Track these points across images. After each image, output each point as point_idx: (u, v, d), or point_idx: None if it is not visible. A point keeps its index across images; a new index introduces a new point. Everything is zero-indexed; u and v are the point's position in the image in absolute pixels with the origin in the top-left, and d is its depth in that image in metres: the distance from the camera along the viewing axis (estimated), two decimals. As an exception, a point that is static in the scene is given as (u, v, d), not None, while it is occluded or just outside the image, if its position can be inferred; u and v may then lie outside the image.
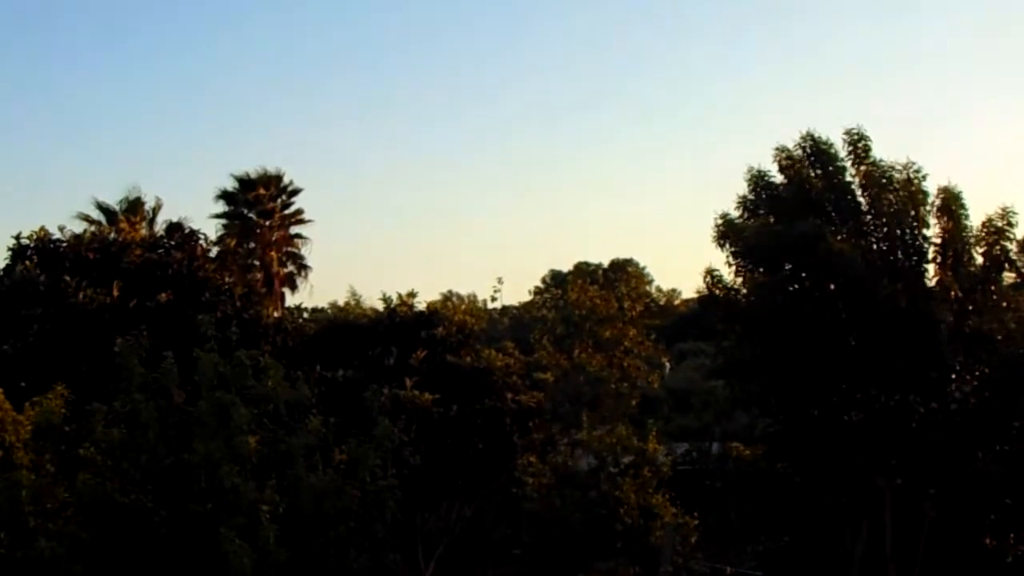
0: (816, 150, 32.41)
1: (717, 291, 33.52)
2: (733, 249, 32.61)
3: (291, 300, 57.52)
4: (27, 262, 32.92)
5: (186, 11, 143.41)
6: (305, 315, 41.97)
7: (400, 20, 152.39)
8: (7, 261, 33.45)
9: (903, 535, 31.33)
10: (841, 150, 32.36)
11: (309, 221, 60.28)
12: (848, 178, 32.28)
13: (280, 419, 23.77)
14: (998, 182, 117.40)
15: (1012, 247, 31.38)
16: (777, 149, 32.78)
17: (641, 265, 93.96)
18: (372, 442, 25.41)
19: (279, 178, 58.88)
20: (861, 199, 32.03)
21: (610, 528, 32.19)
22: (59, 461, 24.09)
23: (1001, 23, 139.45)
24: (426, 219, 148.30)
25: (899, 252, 31.58)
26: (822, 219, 31.68)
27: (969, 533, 31.65)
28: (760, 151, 32.77)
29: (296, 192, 59.49)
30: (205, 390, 22.87)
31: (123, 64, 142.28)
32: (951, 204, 31.41)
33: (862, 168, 32.06)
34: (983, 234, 31.43)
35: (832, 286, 31.02)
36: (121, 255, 33.82)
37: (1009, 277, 31.90)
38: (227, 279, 34.76)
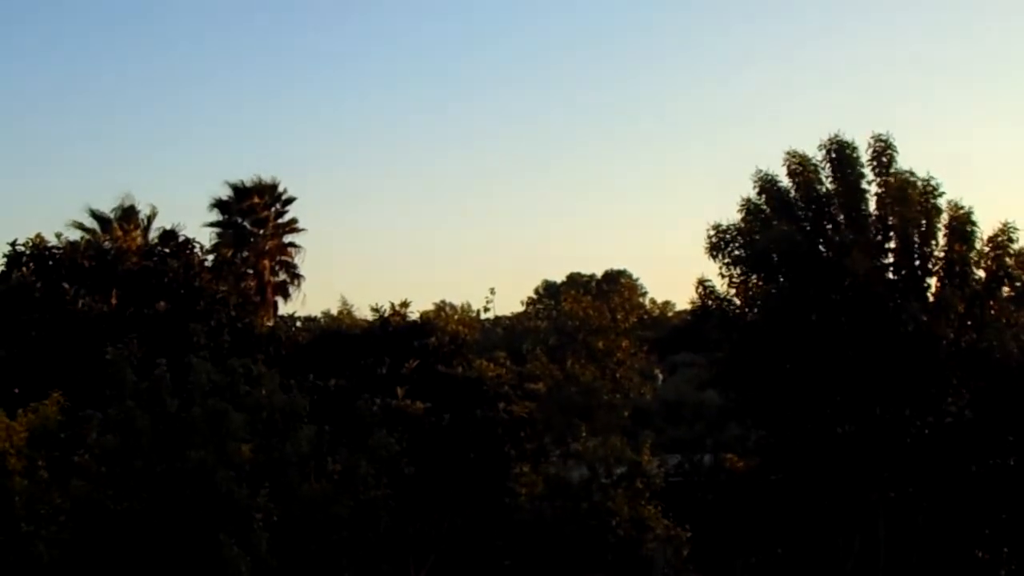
0: (839, 154, 32.28)
1: (710, 302, 33.58)
2: (728, 259, 32.65)
3: (284, 309, 57.50)
4: (23, 269, 32.92)
5: (181, 17, 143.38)
6: (298, 324, 41.96)
7: (396, 28, 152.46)
8: (2, 268, 33.44)
9: (896, 548, 31.36)
10: (864, 155, 32.31)
11: (303, 230, 60.28)
12: (864, 185, 32.22)
13: (274, 427, 23.80)
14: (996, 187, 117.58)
15: (1011, 262, 31.44)
16: (788, 153, 32.76)
17: (635, 276, 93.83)
18: (366, 452, 25.46)
19: (274, 187, 58.83)
20: (875, 210, 32.01)
21: (602, 540, 32.12)
22: (53, 467, 24.09)
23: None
24: (420, 229, 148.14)
25: (904, 267, 31.62)
26: (832, 226, 31.77)
27: (962, 547, 31.69)
28: (758, 161, 32.95)
29: (290, 201, 59.45)
30: (198, 397, 22.91)
31: (117, 70, 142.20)
32: (963, 224, 31.40)
33: (884, 178, 31.97)
34: (986, 250, 31.47)
35: (837, 296, 31.00)
36: (117, 263, 33.85)
37: (1007, 292, 31.96)
38: (222, 288, 34.77)
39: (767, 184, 32.94)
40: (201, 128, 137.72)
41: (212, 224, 57.83)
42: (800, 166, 32.57)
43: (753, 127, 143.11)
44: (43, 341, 31.61)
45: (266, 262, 58.09)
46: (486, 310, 51.65)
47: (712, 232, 32.95)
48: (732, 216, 33.22)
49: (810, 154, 32.80)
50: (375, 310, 37.25)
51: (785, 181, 32.93)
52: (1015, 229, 31.51)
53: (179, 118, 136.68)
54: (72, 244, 34.78)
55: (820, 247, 32.09)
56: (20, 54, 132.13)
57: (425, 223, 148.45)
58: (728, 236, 32.80)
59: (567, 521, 32.15)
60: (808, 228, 32.39)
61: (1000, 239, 31.41)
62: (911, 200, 31.40)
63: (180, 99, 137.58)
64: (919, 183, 31.67)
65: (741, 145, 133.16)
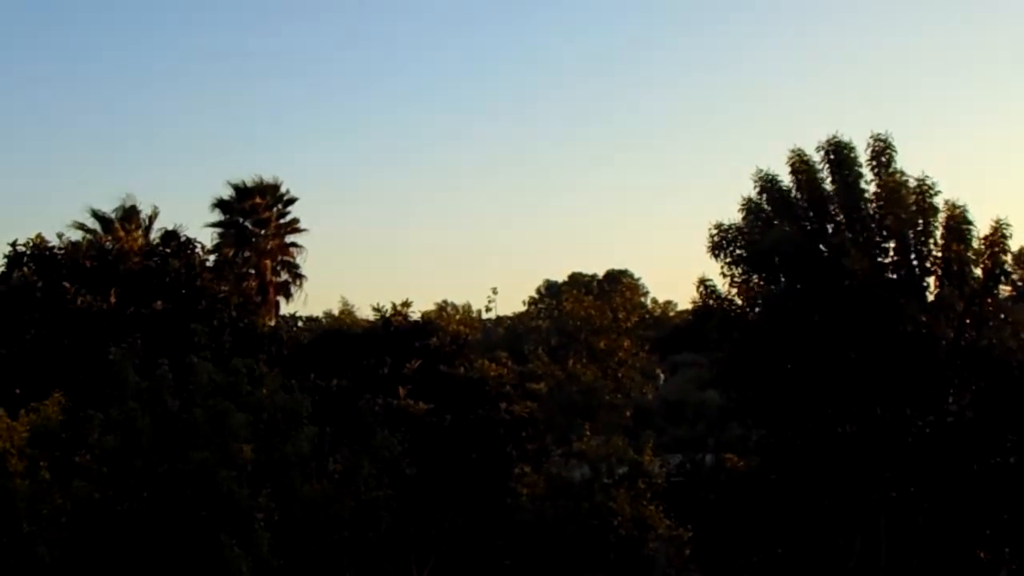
0: (838, 155, 32.26)
1: (711, 301, 33.56)
2: (729, 259, 32.63)
3: (285, 309, 57.48)
4: (24, 269, 32.96)
5: (182, 18, 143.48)
6: (299, 324, 42.00)
7: (398, 31, 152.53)
8: (2, 268, 33.48)
9: (897, 548, 31.34)
10: (862, 155, 32.30)
11: (304, 230, 60.27)
12: (863, 185, 32.21)
13: (276, 427, 23.82)
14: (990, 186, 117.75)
15: (1008, 260, 31.46)
16: (792, 151, 32.71)
17: (636, 276, 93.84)
18: (367, 452, 25.46)
19: (276, 187, 58.79)
20: (873, 210, 32.02)
21: (603, 539, 32.11)
22: (55, 467, 24.12)
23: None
24: (421, 229, 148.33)
25: (903, 267, 31.63)
26: (833, 227, 31.82)
27: (963, 546, 31.67)
28: (759, 162, 33.04)
29: (292, 201, 59.40)
30: (200, 398, 22.92)
31: (118, 71, 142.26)
32: (959, 223, 31.39)
33: (882, 178, 31.96)
34: (982, 248, 31.46)
35: (837, 296, 30.99)
36: (118, 263, 33.89)
37: (1005, 290, 31.98)
38: (223, 288, 34.80)
39: (768, 184, 32.92)
40: (203, 128, 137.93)
41: (214, 224, 57.80)
42: (804, 164, 32.54)
43: (754, 127, 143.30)
44: (44, 341, 31.65)
45: (268, 262, 58.06)
46: (488, 310, 51.78)
47: (714, 231, 32.92)
48: (733, 216, 33.23)
49: (810, 154, 32.82)
50: (377, 310, 37.32)
51: (787, 180, 32.90)
52: (1008, 226, 31.52)
53: (181, 118, 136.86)
54: (73, 244, 34.86)
55: (821, 247, 32.08)
56: (21, 54, 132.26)
57: (426, 223, 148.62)
58: (730, 235, 32.77)
59: (569, 521, 32.14)
60: (809, 228, 32.39)
61: (995, 237, 31.39)
62: (904, 200, 31.40)
63: (182, 99, 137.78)
64: (913, 183, 31.65)
65: (742, 145, 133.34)
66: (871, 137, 32.27)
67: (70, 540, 22.44)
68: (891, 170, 31.98)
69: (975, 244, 31.45)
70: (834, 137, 32.41)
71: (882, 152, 32.11)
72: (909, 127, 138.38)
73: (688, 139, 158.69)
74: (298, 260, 59.91)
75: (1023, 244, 32.20)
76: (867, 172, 32.25)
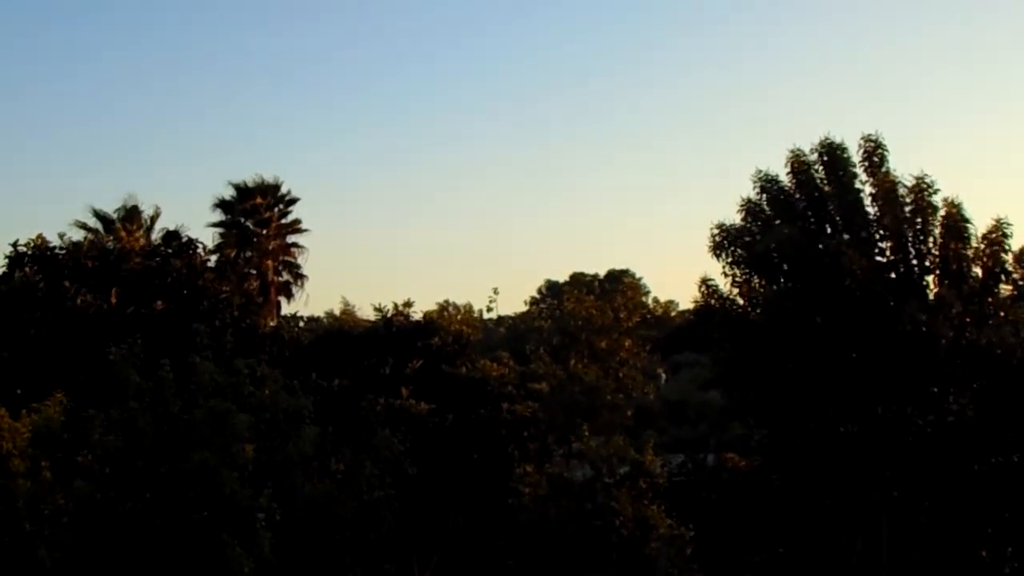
0: (831, 156, 32.28)
1: (713, 301, 33.56)
2: (731, 259, 32.63)
3: (287, 309, 57.64)
4: (25, 269, 32.99)
5: (183, 18, 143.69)
6: (301, 324, 42.07)
7: (399, 31, 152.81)
8: (3, 268, 33.51)
9: (899, 547, 31.33)
10: (855, 155, 32.30)
11: (306, 230, 60.40)
12: (858, 185, 32.24)
13: (278, 427, 23.84)
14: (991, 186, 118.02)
15: (1008, 259, 31.47)
16: (792, 152, 32.72)
17: (638, 276, 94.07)
18: (369, 452, 25.48)
19: (277, 187, 58.95)
20: (870, 209, 32.03)
21: (605, 539, 32.11)
22: (56, 468, 24.14)
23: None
24: (422, 229, 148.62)
25: (901, 266, 31.64)
26: (832, 228, 31.81)
27: (965, 546, 31.65)
28: (759, 162, 33.13)
29: (294, 202, 59.56)
30: (202, 398, 22.92)
31: (118, 71, 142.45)
32: (957, 221, 31.38)
33: (875, 178, 31.97)
34: (982, 247, 31.46)
35: (837, 296, 30.98)
36: (120, 263, 33.93)
37: (1006, 289, 31.96)
38: (224, 288, 34.84)
39: (767, 184, 32.94)
40: (204, 128, 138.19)
41: (215, 224, 58.01)
42: (804, 165, 32.57)
43: (753, 127, 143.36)
44: (45, 341, 31.69)
45: (269, 262, 58.24)
46: (489, 310, 51.64)
47: (716, 231, 32.92)
48: (733, 216, 33.25)
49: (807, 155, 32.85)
50: (378, 310, 37.41)
51: (787, 180, 32.91)
52: (1008, 224, 31.53)
53: (183, 118, 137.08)
54: (75, 244, 34.91)
55: (820, 247, 32.10)
56: (23, 55, 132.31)
57: (428, 223, 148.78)
58: (731, 236, 32.78)
59: (570, 521, 32.13)
60: (809, 228, 32.41)
61: (994, 236, 31.39)
62: (900, 200, 31.41)
63: (184, 100, 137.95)
64: (911, 182, 31.63)
65: (742, 145, 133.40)
66: (862, 138, 32.36)
67: (72, 540, 22.45)
68: (884, 170, 32.02)
69: (974, 243, 31.46)
70: (826, 138, 32.51)
71: (873, 152, 32.16)
72: (908, 126, 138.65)
73: (688, 139, 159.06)
74: (299, 260, 60.14)
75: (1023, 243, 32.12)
76: (861, 172, 32.32)
